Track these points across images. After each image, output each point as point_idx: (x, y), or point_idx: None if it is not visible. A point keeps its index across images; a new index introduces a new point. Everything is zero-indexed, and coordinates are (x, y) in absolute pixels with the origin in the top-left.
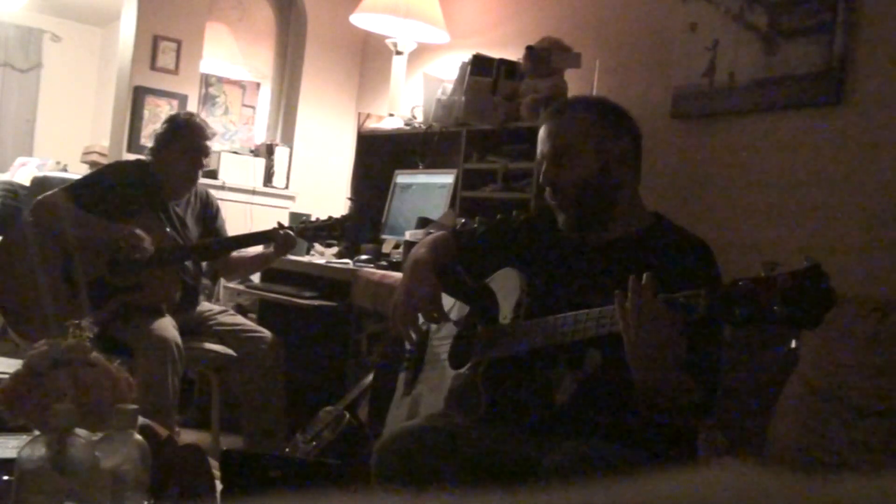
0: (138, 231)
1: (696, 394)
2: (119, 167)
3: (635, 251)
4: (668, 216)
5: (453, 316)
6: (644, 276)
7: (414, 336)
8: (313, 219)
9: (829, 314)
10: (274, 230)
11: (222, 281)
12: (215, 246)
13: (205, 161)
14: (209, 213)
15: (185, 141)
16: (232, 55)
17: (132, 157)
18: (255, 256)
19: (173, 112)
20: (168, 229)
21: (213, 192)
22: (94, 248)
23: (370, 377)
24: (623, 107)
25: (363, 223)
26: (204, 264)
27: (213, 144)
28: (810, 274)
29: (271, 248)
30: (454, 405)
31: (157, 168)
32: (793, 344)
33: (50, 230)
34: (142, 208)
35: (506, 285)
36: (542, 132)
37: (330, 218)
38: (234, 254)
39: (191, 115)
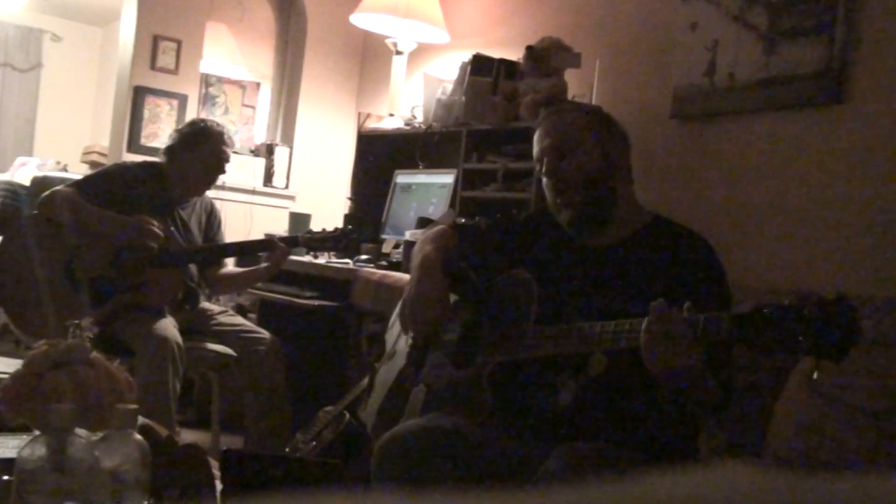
0: (151, 220)
1: (716, 393)
2: (127, 167)
3: (637, 252)
4: (668, 216)
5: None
6: (660, 300)
7: (424, 335)
8: (318, 229)
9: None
10: (271, 239)
11: None
12: (217, 250)
13: (226, 168)
14: (212, 224)
15: (211, 145)
16: (232, 55)
17: (132, 157)
18: (244, 272)
19: (173, 112)
20: (172, 229)
21: (212, 192)
22: (102, 242)
23: (371, 376)
24: (612, 115)
25: (366, 229)
26: (196, 274)
27: None
28: (838, 306)
29: (262, 265)
30: (456, 405)
31: (172, 169)
32: (814, 375)
33: (59, 223)
34: (147, 209)
35: (515, 287)
36: (538, 133)
37: (336, 229)
38: (223, 271)
39: (215, 122)
